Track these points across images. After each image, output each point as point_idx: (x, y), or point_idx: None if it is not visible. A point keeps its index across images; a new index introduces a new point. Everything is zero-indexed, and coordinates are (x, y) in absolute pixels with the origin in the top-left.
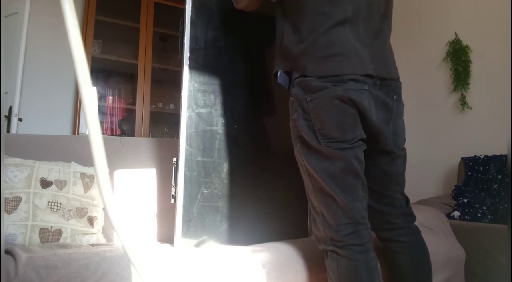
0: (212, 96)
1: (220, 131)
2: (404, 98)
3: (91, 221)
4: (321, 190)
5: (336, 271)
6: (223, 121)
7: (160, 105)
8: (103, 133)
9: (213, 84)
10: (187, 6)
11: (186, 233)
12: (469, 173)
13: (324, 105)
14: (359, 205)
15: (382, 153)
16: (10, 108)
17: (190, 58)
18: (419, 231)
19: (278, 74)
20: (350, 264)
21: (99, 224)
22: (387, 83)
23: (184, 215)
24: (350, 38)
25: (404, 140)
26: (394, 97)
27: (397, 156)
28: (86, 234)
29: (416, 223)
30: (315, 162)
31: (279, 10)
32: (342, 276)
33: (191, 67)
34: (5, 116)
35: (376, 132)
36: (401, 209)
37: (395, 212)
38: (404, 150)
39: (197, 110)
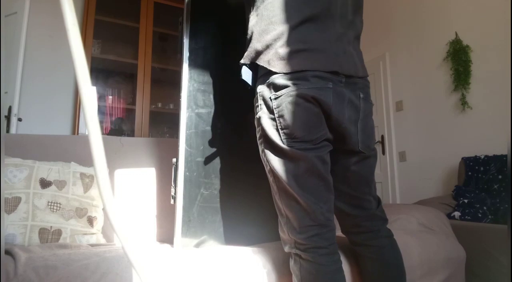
0: (211, 96)
1: (219, 131)
2: (404, 98)
3: (90, 221)
4: (284, 191)
5: (299, 275)
6: (223, 121)
7: (160, 105)
8: (103, 133)
9: (213, 84)
10: (186, 5)
11: (186, 233)
12: (470, 173)
13: (288, 104)
14: (323, 207)
15: (350, 153)
16: (10, 108)
17: (190, 58)
18: (391, 235)
19: (242, 69)
20: (312, 267)
21: (98, 224)
22: (353, 81)
23: (184, 216)
24: (316, 35)
25: (374, 141)
26: (361, 95)
27: (367, 156)
28: (85, 234)
29: (415, 224)
30: (278, 163)
31: None
32: (304, 280)
33: (190, 67)
34: (5, 116)
35: (342, 132)
36: (370, 211)
37: (363, 214)
38: (374, 150)
39: (196, 111)
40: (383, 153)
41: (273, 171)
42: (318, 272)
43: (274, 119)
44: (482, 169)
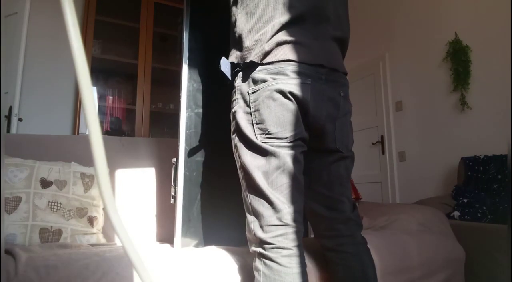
0: (211, 96)
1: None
2: (404, 98)
3: (91, 221)
4: (253, 188)
5: (261, 275)
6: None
7: (160, 105)
8: (102, 133)
9: (213, 84)
10: (185, 6)
11: (186, 233)
12: (469, 173)
13: (265, 98)
14: (291, 207)
15: (326, 152)
16: (10, 108)
17: (189, 58)
18: (364, 243)
19: (221, 61)
20: (274, 268)
21: (99, 224)
22: (334, 78)
23: (183, 215)
24: (303, 32)
25: (352, 141)
26: (341, 94)
27: (344, 156)
28: (86, 234)
29: (415, 224)
30: (250, 158)
31: None
32: (265, 280)
33: (190, 67)
34: (5, 116)
35: (320, 129)
36: (345, 214)
37: (338, 217)
38: (352, 152)
39: (196, 110)
40: (383, 153)
41: (243, 167)
42: (280, 273)
43: (249, 113)
44: (481, 169)
